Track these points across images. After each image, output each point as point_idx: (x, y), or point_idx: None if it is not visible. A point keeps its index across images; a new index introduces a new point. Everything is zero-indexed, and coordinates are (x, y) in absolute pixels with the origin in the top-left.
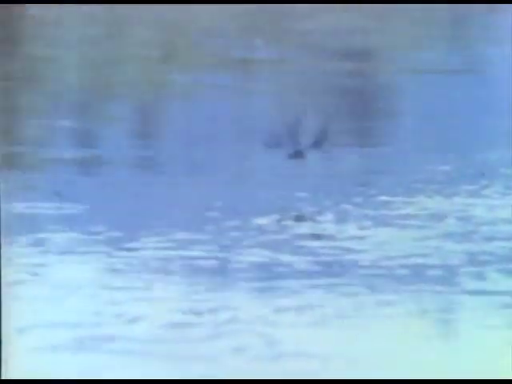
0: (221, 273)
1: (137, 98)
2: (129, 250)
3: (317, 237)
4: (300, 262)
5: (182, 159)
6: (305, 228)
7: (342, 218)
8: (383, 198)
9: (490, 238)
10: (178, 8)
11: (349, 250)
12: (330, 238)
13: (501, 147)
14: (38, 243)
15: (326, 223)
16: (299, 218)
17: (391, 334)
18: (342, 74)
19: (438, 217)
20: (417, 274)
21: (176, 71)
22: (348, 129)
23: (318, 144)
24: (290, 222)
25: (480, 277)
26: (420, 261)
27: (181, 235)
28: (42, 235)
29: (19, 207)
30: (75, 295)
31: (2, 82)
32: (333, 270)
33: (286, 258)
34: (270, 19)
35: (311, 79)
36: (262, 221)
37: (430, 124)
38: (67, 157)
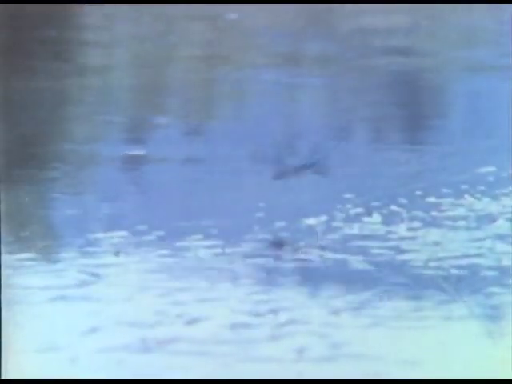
0: (273, 273)
1: (186, 96)
2: (180, 249)
3: (367, 237)
4: (352, 261)
5: (229, 158)
6: (354, 229)
7: (390, 219)
8: (431, 199)
9: None
10: (226, 7)
11: (400, 251)
12: (380, 238)
13: None
14: (91, 244)
15: (375, 224)
16: (347, 219)
17: (447, 335)
18: (394, 72)
19: (488, 218)
20: (471, 275)
21: (225, 69)
22: (394, 127)
23: (310, 165)
24: (338, 223)
25: None
26: (473, 261)
27: (228, 235)
28: (92, 236)
29: (67, 206)
30: (135, 296)
31: (52, 80)
32: (385, 270)
33: (337, 257)
34: (319, 18)
35: (361, 77)
36: (310, 221)
37: (477, 123)
38: (115, 154)
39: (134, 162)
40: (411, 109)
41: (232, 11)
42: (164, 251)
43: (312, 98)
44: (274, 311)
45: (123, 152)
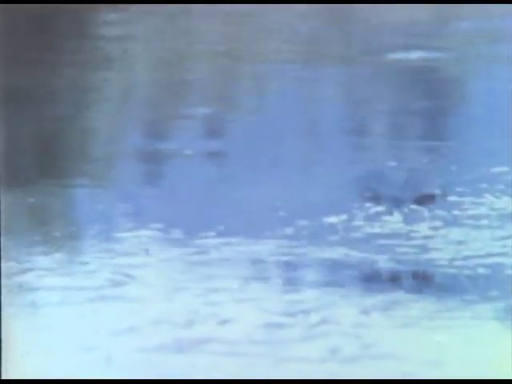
0: (298, 272)
1: (206, 92)
2: (206, 247)
3: (390, 236)
4: (379, 261)
5: (251, 155)
6: (376, 227)
7: (412, 218)
8: (451, 198)
9: None
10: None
11: (425, 250)
12: (404, 237)
13: None
14: (117, 242)
15: (397, 223)
16: (367, 218)
17: (475, 335)
18: (413, 69)
19: (510, 217)
20: (496, 274)
21: (245, 64)
22: (412, 125)
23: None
24: (359, 222)
25: None
26: (498, 260)
27: (249, 234)
28: (115, 234)
29: (89, 204)
30: (167, 296)
31: (72, 76)
32: (411, 269)
33: (363, 256)
34: (335, 16)
35: (377, 73)
36: (332, 220)
37: (496, 122)
38: (133, 150)
39: (155, 158)
40: (430, 107)
41: (252, 8)
42: (190, 249)
43: (330, 93)
44: (305, 311)
45: (146, 147)
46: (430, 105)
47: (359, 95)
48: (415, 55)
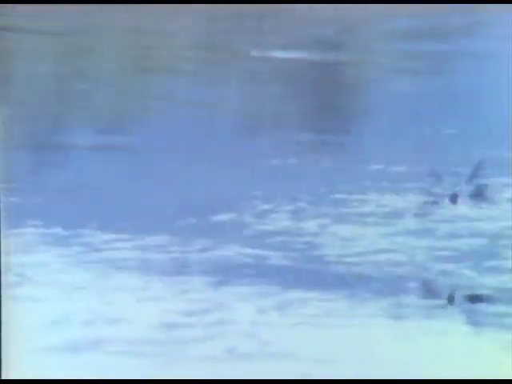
0: (185, 271)
1: (106, 86)
2: (91, 245)
3: (279, 233)
4: (270, 258)
5: (145, 151)
6: (268, 225)
7: (299, 215)
8: (337, 195)
9: (450, 235)
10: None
11: (313, 247)
12: (293, 234)
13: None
14: (4, 239)
15: (285, 220)
16: (257, 215)
17: (373, 332)
18: (319, 66)
19: (395, 214)
20: (384, 270)
21: (145, 61)
22: (304, 119)
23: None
24: (250, 219)
25: (447, 272)
26: (386, 257)
27: (139, 231)
28: (2, 231)
29: None
30: (65, 296)
31: None
32: (302, 266)
33: (255, 254)
34: (244, 14)
35: (279, 71)
36: (222, 217)
37: (394, 122)
38: (28, 142)
39: (49, 150)
40: (326, 103)
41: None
42: (82, 248)
43: (226, 91)
44: (202, 310)
45: (40, 139)
46: (326, 101)
47: (259, 93)
48: (321, 54)
